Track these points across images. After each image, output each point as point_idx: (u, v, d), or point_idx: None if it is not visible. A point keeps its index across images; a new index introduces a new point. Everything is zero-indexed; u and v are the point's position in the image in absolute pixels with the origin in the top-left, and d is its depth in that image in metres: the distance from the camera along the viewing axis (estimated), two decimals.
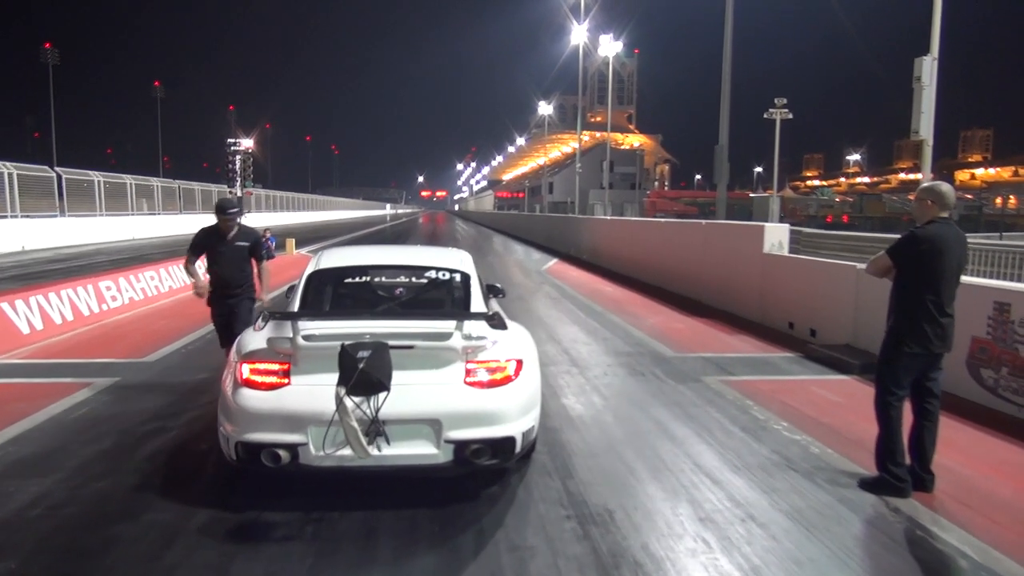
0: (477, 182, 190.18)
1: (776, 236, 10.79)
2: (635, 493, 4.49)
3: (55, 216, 30.11)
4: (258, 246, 6.61)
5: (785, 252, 10.82)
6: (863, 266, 8.40)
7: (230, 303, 6.46)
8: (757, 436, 5.62)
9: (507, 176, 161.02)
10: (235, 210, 6.50)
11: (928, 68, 15.38)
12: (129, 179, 37.71)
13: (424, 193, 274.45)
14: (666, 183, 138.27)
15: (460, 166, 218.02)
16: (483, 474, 4.59)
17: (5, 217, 26.12)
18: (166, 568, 3.52)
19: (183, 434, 5.55)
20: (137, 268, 12.75)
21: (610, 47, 46.03)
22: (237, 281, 6.48)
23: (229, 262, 6.45)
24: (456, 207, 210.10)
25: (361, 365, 3.80)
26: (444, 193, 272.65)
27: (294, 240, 25.67)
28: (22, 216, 27.17)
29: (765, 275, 10.72)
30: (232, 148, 23.75)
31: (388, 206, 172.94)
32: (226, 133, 24.04)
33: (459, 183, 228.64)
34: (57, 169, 31.01)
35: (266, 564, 3.60)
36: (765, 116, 33.91)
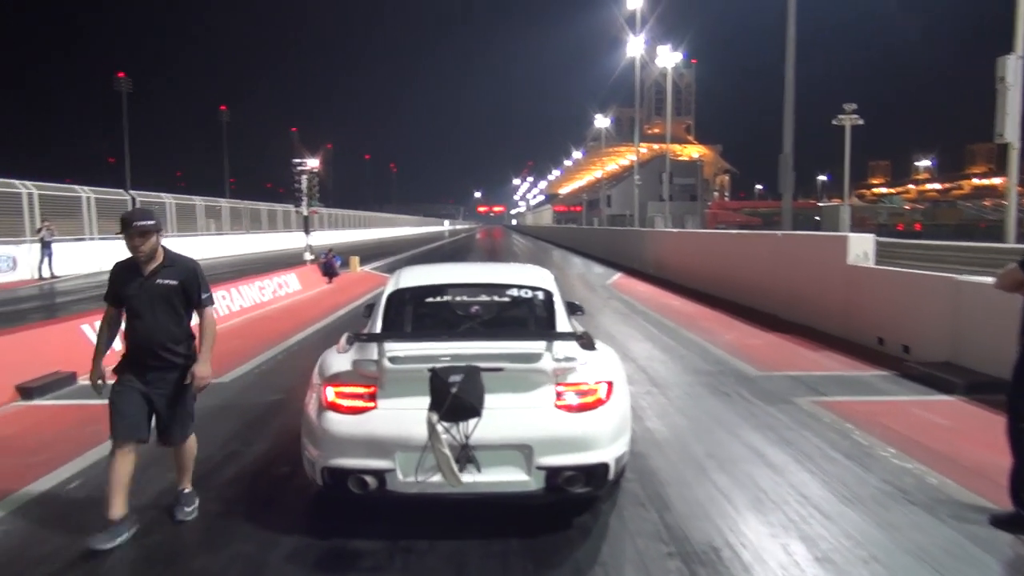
0: (534, 196, 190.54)
1: (861, 247, 10.27)
2: (739, 528, 4.16)
3: None
4: (195, 285, 4.26)
5: (871, 263, 10.29)
6: (964, 278, 7.89)
7: (148, 378, 4.15)
8: (863, 464, 5.21)
9: (564, 190, 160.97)
10: (148, 223, 4.11)
11: (1013, 67, 14.62)
12: (198, 200, 38.83)
13: (481, 208, 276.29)
14: (726, 194, 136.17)
15: (517, 181, 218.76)
16: (573, 502, 4.34)
17: (84, 240, 27.08)
18: None
19: (262, 457, 5.45)
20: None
21: (668, 58, 45.59)
22: (160, 342, 4.14)
23: (146, 311, 4.14)
24: (514, 222, 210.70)
25: (454, 390, 3.62)
26: (502, 208, 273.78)
27: (358, 258, 25.90)
28: (100, 238, 28.14)
29: (850, 288, 10.20)
30: (298, 168, 24.12)
31: (446, 222, 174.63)
32: (289, 154, 24.58)
33: (516, 198, 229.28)
34: (131, 192, 32.12)
35: None
36: (834, 123, 32.80)
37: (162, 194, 35.17)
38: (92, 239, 27.64)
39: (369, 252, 37.72)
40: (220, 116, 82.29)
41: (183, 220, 36.38)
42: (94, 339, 8.81)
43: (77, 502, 4.60)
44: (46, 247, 22.74)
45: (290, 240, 47.18)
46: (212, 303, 4.37)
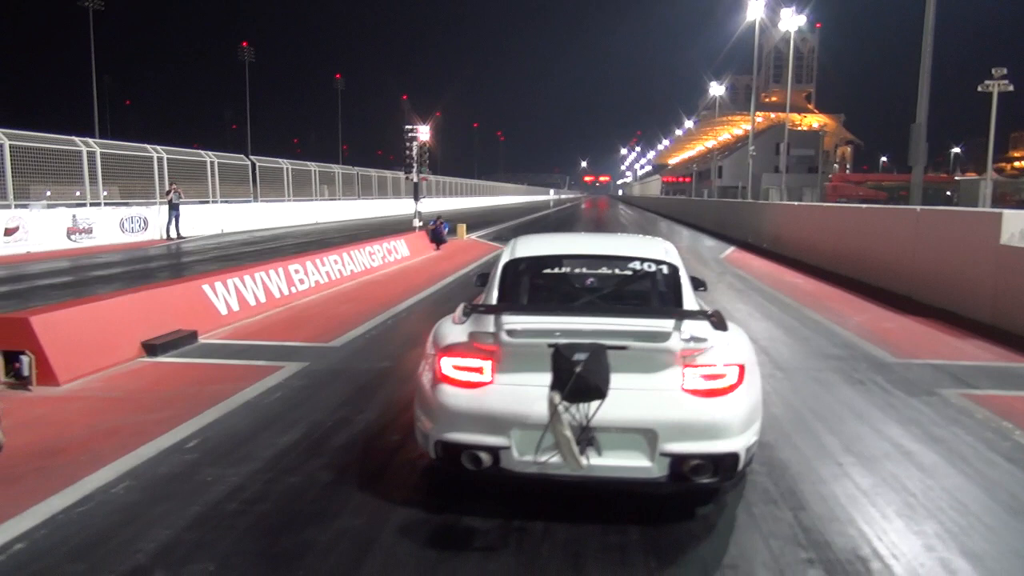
0: (642, 167, 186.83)
1: (1018, 224, 9.25)
2: (888, 536, 3.71)
3: (249, 201, 32.50)
4: None
5: None
6: None
7: None
8: None
9: (673, 160, 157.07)
10: None
11: None
12: (313, 166, 40.05)
13: (587, 178, 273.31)
14: (848, 166, 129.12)
15: (624, 151, 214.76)
16: (695, 492, 4.02)
17: (207, 203, 28.42)
18: None
19: (372, 425, 5.38)
20: (322, 252, 13.18)
21: (791, 21, 43.13)
22: None
23: None
24: (620, 192, 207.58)
25: (578, 369, 3.34)
26: (607, 178, 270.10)
27: (464, 225, 26.01)
28: (222, 201, 29.48)
29: (1002, 270, 9.23)
30: (410, 135, 24.32)
31: (552, 191, 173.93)
32: (400, 121, 24.77)
33: (623, 168, 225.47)
34: (252, 158, 33.45)
35: None
36: (979, 89, 29.97)
37: (279, 159, 36.45)
38: (216, 202, 28.99)
39: (475, 220, 37.95)
40: (335, 84, 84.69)
41: (298, 185, 37.64)
42: (215, 299, 9.11)
43: (193, 462, 4.63)
44: (174, 209, 23.96)
45: (399, 206, 48.15)
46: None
